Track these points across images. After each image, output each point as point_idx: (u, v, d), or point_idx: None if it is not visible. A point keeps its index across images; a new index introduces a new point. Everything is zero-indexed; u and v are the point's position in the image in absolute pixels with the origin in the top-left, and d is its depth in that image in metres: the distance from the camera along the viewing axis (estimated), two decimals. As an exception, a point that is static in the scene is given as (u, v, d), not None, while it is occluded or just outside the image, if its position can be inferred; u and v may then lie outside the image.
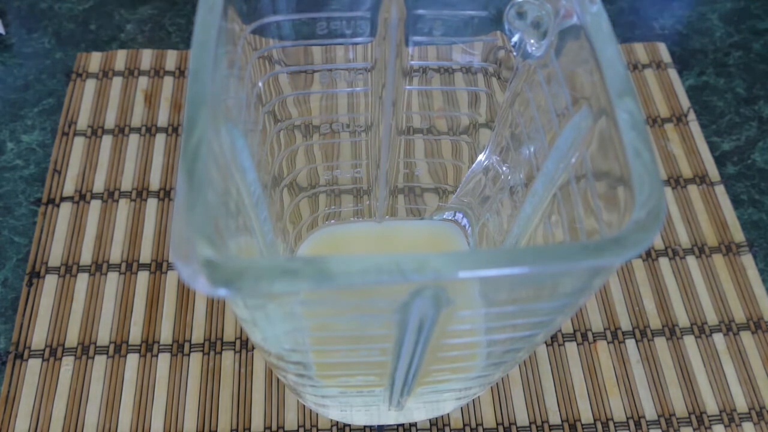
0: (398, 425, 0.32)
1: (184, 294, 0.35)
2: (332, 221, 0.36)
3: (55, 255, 0.36)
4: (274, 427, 0.32)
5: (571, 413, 0.33)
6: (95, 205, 0.38)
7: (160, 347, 0.34)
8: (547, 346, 0.34)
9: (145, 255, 0.36)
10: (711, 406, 0.33)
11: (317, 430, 0.32)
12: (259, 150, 0.29)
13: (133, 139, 0.41)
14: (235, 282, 0.15)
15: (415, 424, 0.32)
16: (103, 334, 0.34)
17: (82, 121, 0.41)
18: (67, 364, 0.33)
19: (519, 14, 0.26)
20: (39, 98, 0.43)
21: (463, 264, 0.16)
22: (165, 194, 0.39)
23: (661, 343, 0.35)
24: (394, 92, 0.30)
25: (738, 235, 0.38)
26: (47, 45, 0.45)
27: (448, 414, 0.32)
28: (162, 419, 0.32)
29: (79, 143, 0.40)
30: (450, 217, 0.36)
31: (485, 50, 0.29)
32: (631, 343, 0.35)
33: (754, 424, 0.33)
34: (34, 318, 0.34)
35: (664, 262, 0.37)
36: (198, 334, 0.34)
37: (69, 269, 0.36)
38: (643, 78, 0.45)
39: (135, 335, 0.34)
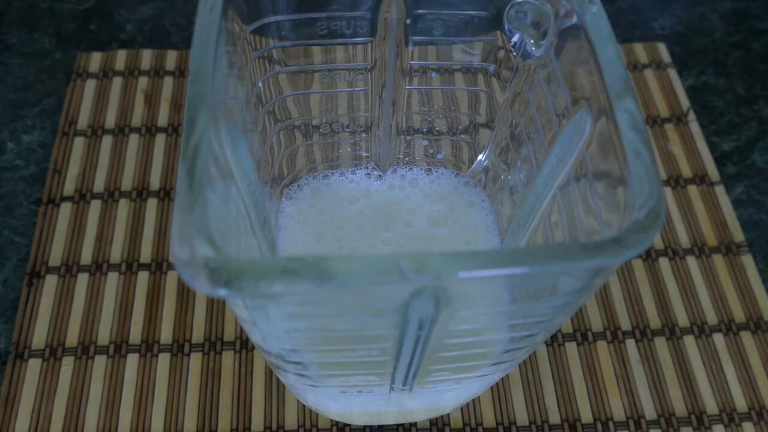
0: (398, 425, 0.32)
1: (184, 294, 0.35)
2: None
3: (55, 255, 0.36)
4: (274, 427, 0.32)
5: (571, 413, 0.33)
6: (95, 205, 0.38)
7: (160, 347, 0.34)
8: (547, 346, 0.34)
9: (145, 255, 0.36)
10: (711, 406, 0.33)
11: (317, 430, 0.32)
12: (259, 150, 0.29)
13: (133, 139, 0.41)
14: (235, 282, 0.15)
15: (415, 424, 0.32)
16: (103, 334, 0.34)
17: (82, 121, 0.41)
18: (67, 364, 0.33)
19: (519, 14, 0.26)
20: (39, 98, 0.43)
21: (463, 264, 0.16)
22: (165, 194, 0.39)
23: (661, 343, 0.35)
24: (394, 92, 0.30)
25: (738, 235, 0.38)
26: (47, 45, 0.45)
27: (448, 414, 0.32)
28: (162, 419, 0.32)
29: (79, 143, 0.40)
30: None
31: (485, 50, 0.29)
32: (631, 343, 0.35)
33: (754, 424, 0.33)
34: (34, 318, 0.34)
35: (664, 262, 0.37)
36: (198, 334, 0.34)
37: (69, 269, 0.36)
38: (643, 78, 0.45)
39: (135, 335, 0.34)
